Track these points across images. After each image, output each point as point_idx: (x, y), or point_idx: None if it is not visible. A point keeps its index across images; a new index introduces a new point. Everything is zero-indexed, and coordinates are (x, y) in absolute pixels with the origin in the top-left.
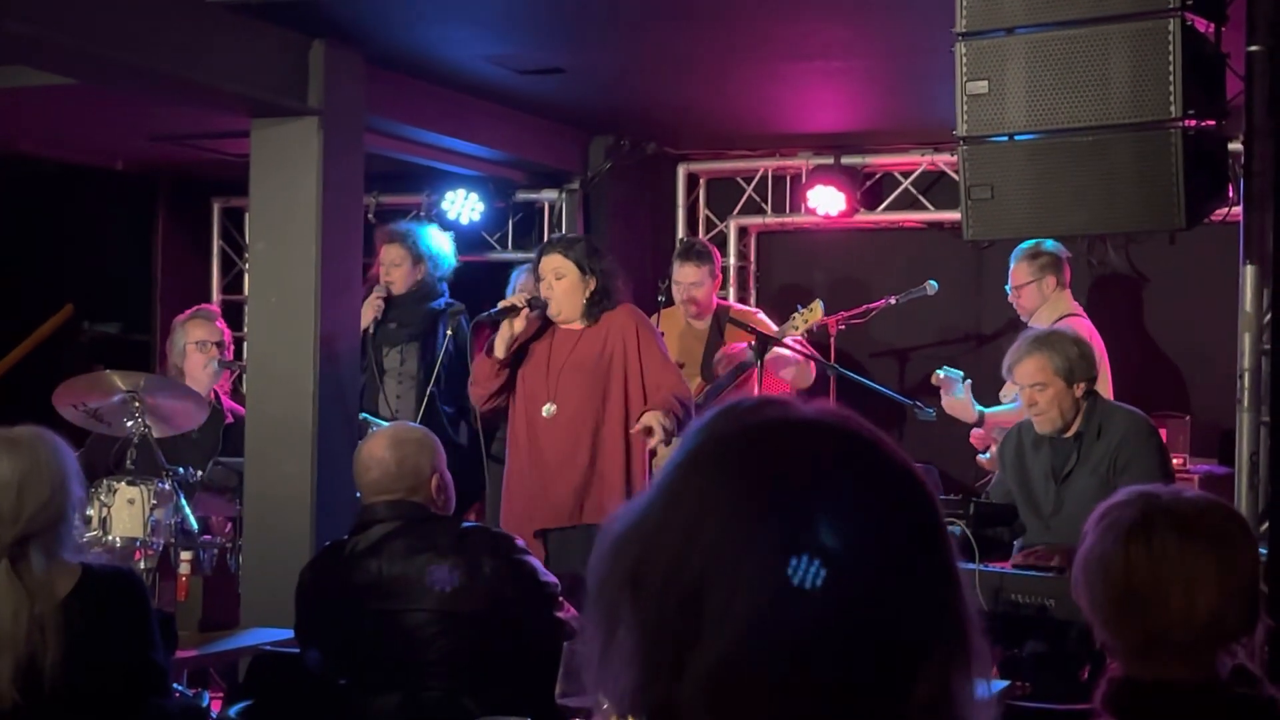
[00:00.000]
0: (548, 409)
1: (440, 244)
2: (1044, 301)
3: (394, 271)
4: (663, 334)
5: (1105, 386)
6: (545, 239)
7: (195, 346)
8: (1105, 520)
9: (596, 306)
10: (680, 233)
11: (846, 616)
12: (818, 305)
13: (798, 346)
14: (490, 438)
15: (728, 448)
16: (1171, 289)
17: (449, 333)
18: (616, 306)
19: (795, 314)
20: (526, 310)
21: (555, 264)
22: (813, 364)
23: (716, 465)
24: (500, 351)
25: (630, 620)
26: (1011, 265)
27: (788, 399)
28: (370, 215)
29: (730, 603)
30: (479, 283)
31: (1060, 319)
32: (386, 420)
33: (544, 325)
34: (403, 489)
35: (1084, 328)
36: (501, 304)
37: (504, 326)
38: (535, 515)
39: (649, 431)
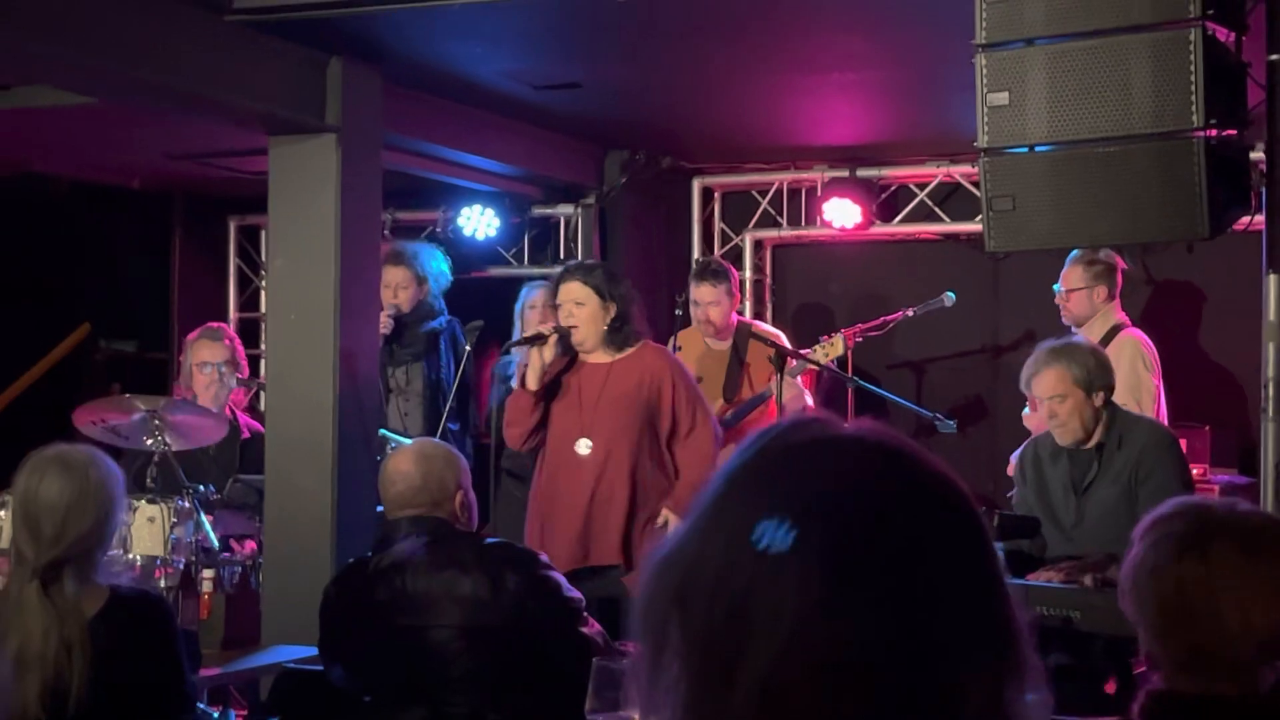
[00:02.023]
0: (583, 445)
1: (439, 263)
2: (1093, 313)
3: (402, 294)
4: (679, 349)
5: (1149, 402)
6: (562, 261)
7: (198, 368)
8: (1156, 531)
9: (617, 334)
10: (696, 247)
11: (894, 628)
12: (839, 339)
13: (825, 365)
14: (499, 455)
15: (770, 465)
16: (1189, 298)
17: (468, 348)
18: (636, 335)
19: (816, 346)
20: (555, 338)
21: (575, 291)
22: (809, 395)
23: (759, 482)
24: (533, 383)
25: (678, 639)
26: (1066, 267)
27: (827, 418)
28: (387, 231)
29: (777, 614)
30: (494, 298)
31: (1111, 332)
32: (404, 437)
33: (568, 359)
34: (427, 504)
35: (1141, 342)
36: (528, 331)
37: (532, 356)
38: (577, 553)
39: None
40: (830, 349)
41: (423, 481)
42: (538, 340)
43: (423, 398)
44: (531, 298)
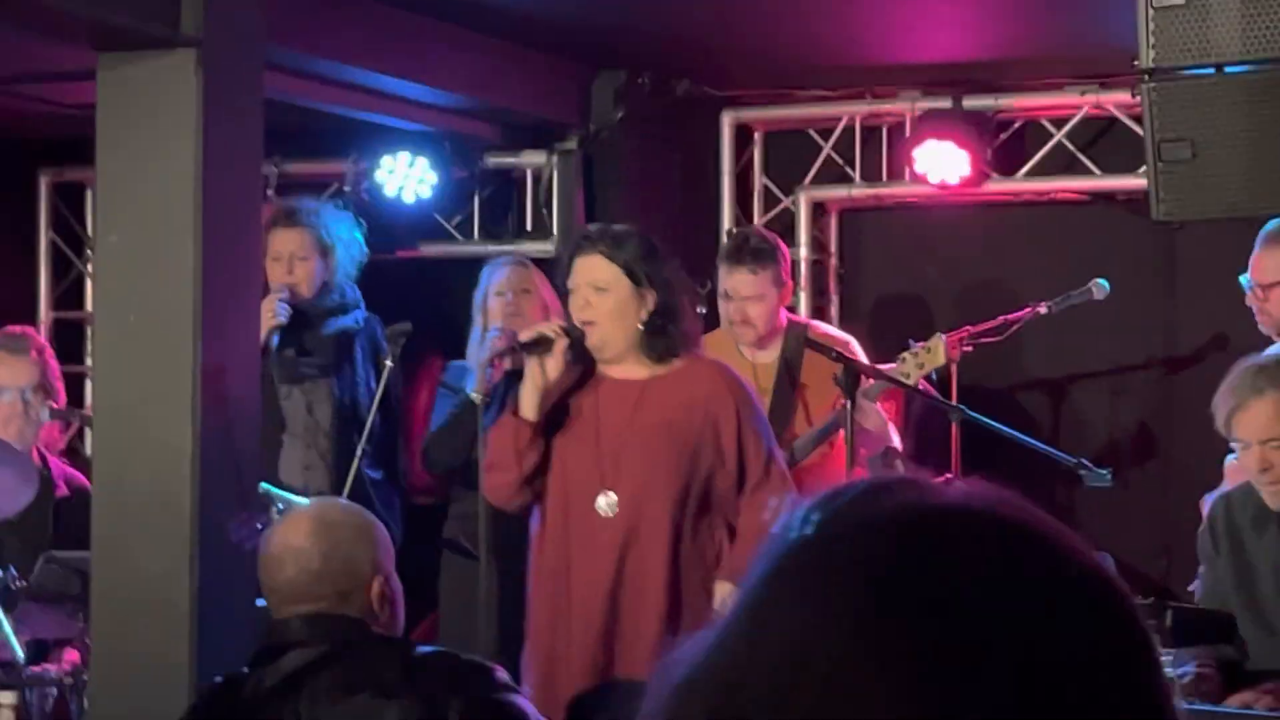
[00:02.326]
0: (604, 502)
1: (351, 230)
2: None
3: (299, 268)
4: None
5: None
6: (530, 234)
7: None
8: None
9: (659, 337)
10: (726, 213)
11: None
12: (939, 345)
13: (917, 387)
14: (442, 516)
15: (838, 552)
16: None
17: (388, 362)
18: (687, 341)
19: (905, 353)
20: (565, 343)
21: (596, 270)
22: (894, 428)
23: (824, 577)
24: (531, 410)
25: None
26: (1256, 251)
27: (918, 480)
28: (270, 190)
29: None
30: (430, 288)
31: None
32: (298, 495)
33: (580, 371)
34: (330, 596)
35: None
36: (527, 334)
37: (531, 370)
38: (597, 660)
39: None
40: (925, 359)
41: (324, 563)
42: (539, 347)
43: (333, 438)
44: (497, 280)
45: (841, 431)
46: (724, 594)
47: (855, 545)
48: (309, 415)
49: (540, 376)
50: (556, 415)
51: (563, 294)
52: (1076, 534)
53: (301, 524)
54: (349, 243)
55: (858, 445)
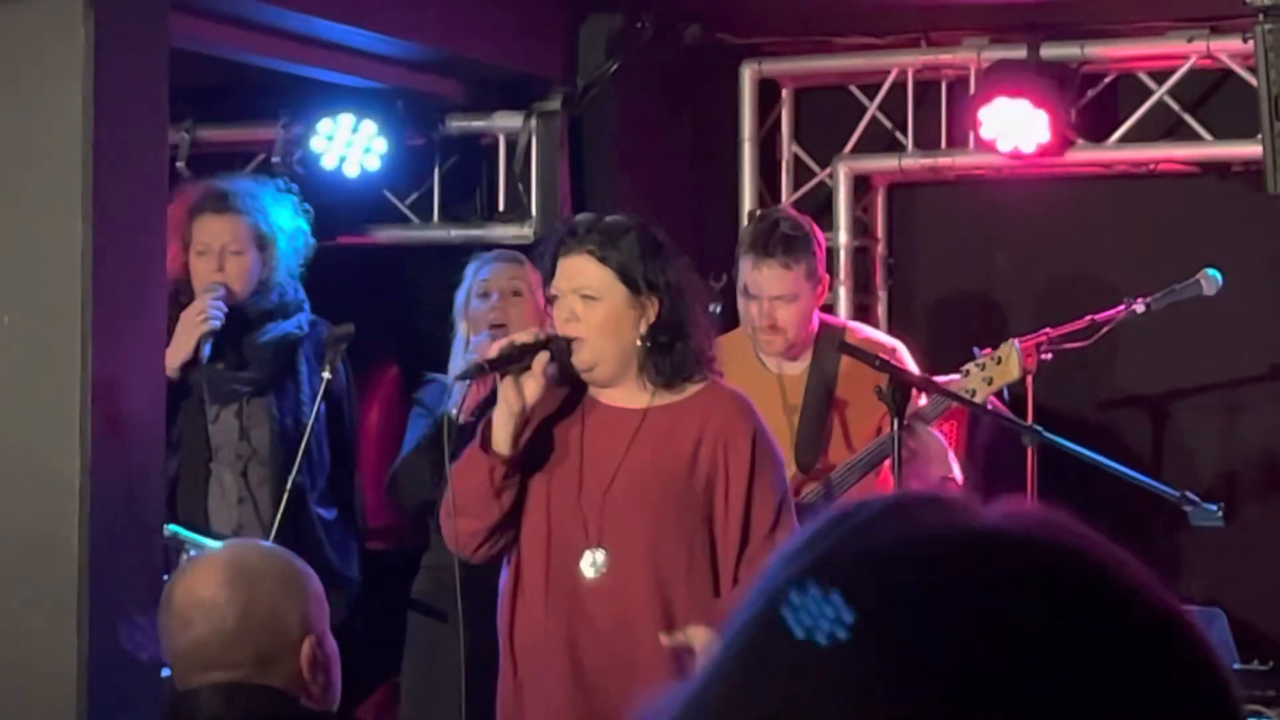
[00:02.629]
0: (592, 562)
1: (293, 215)
2: None
3: (231, 263)
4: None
5: None
6: (501, 215)
7: None
8: None
9: (664, 357)
10: (748, 190)
11: None
12: (1012, 354)
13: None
14: (405, 564)
15: (853, 584)
16: None
17: (325, 375)
18: (700, 362)
19: (970, 365)
20: (545, 357)
21: (582, 272)
22: (954, 455)
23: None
24: (506, 443)
25: None
26: None
27: (953, 496)
28: (180, 162)
29: None
30: (381, 282)
31: None
32: (220, 539)
33: (567, 395)
34: (249, 662)
35: None
36: (499, 345)
37: (505, 393)
38: None
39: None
40: (994, 373)
41: (241, 621)
42: (514, 362)
43: (271, 466)
44: (481, 278)
45: (887, 461)
46: (697, 639)
47: (856, 581)
48: (242, 440)
49: (516, 400)
50: (537, 448)
51: (550, 299)
52: (1149, 572)
53: (212, 572)
54: (293, 233)
55: (907, 475)
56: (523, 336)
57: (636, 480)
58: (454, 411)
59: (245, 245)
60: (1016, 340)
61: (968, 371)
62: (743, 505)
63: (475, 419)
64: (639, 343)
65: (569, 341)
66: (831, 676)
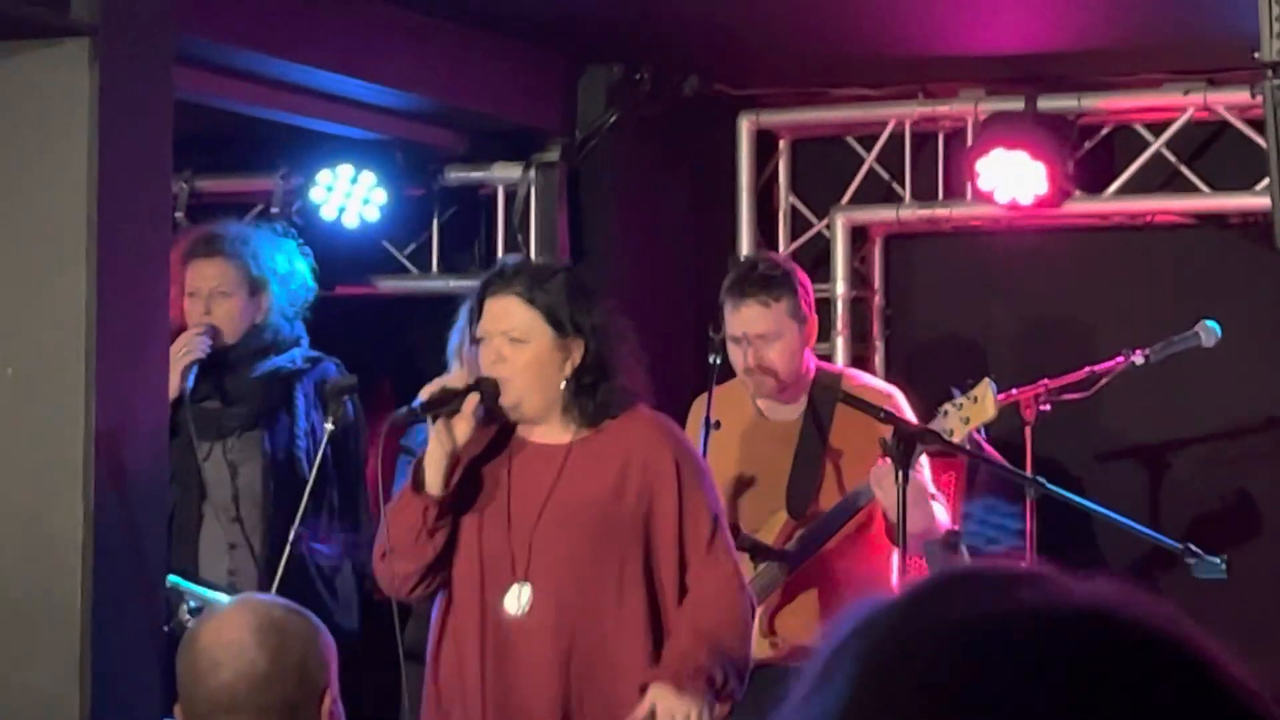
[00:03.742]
0: (516, 598)
1: (292, 259)
2: None
3: (219, 306)
4: (717, 425)
5: None
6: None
7: None
8: None
9: (589, 397)
10: (745, 240)
11: None
12: (987, 393)
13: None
14: (406, 614)
15: (932, 660)
16: None
17: (328, 425)
18: (624, 398)
19: (948, 405)
20: (475, 399)
21: (509, 314)
22: (948, 500)
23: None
24: (437, 484)
25: None
26: None
27: (1023, 569)
28: (179, 212)
29: None
30: (379, 333)
31: None
32: (213, 586)
33: (495, 433)
34: (276, 707)
35: None
36: (429, 390)
37: (436, 436)
38: None
39: None
40: (970, 412)
41: (273, 666)
42: (444, 405)
43: (264, 507)
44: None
45: (881, 509)
46: (661, 701)
47: (936, 658)
48: (234, 480)
49: (448, 441)
50: (466, 487)
51: (475, 341)
52: (1235, 657)
53: (241, 618)
54: (287, 276)
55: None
56: (453, 380)
57: (563, 514)
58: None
59: (234, 288)
60: (991, 380)
61: (945, 412)
62: (676, 525)
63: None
64: (564, 383)
65: (496, 383)
66: None
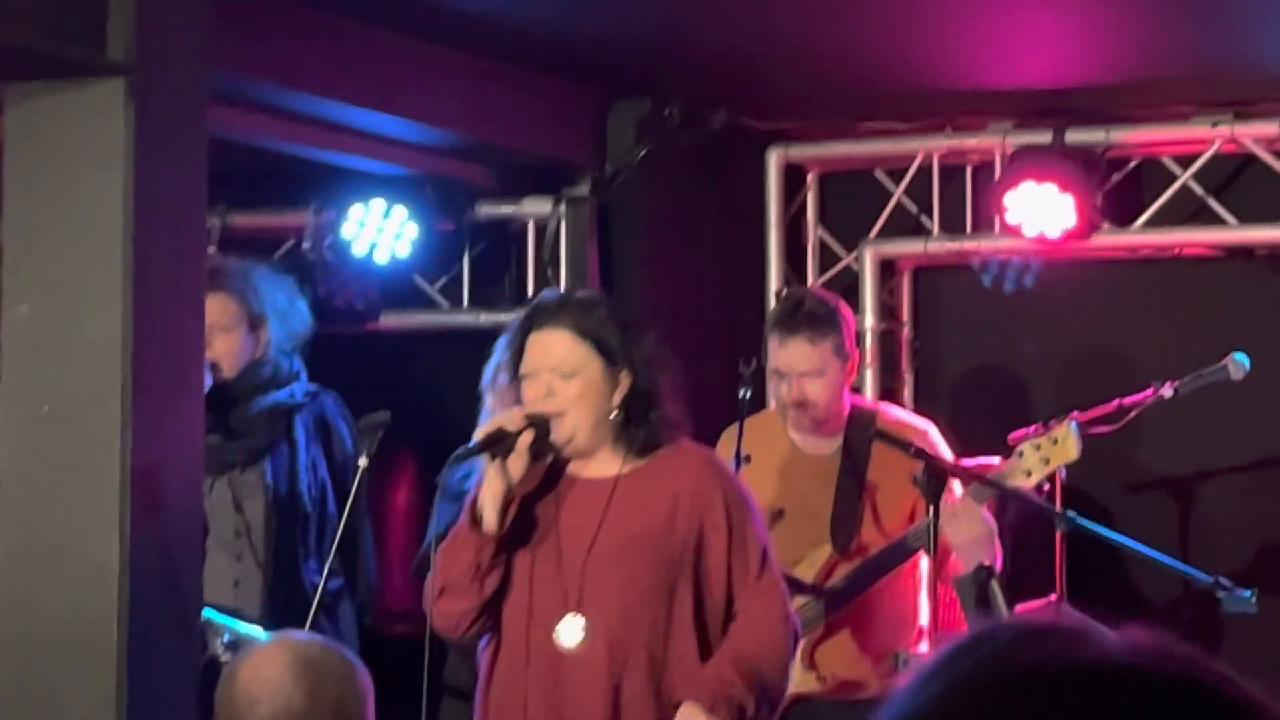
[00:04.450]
0: (569, 629)
1: (289, 295)
2: None
3: (219, 341)
4: (748, 459)
5: None
6: (533, 296)
7: None
8: None
9: (638, 426)
10: (774, 272)
11: None
12: (1069, 433)
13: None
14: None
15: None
16: None
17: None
18: (669, 428)
19: (1024, 444)
20: (529, 436)
21: (560, 350)
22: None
23: None
24: (494, 522)
25: None
26: None
27: (1076, 624)
28: (212, 247)
29: None
30: (409, 368)
31: None
32: (249, 625)
33: (543, 469)
34: None
35: None
36: (484, 429)
37: (491, 474)
38: None
39: None
40: (1051, 453)
41: (310, 703)
42: (497, 445)
43: (266, 535)
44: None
45: (919, 550)
46: (685, 716)
47: (987, 713)
48: (237, 513)
49: (503, 480)
50: (516, 524)
51: (517, 379)
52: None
53: (279, 655)
54: (286, 313)
55: (942, 562)
56: (507, 420)
57: (614, 547)
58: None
59: (234, 323)
60: (1075, 420)
61: (1022, 453)
62: (725, 558)
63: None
64: (614, 414)
65: (548, 420)
66: None
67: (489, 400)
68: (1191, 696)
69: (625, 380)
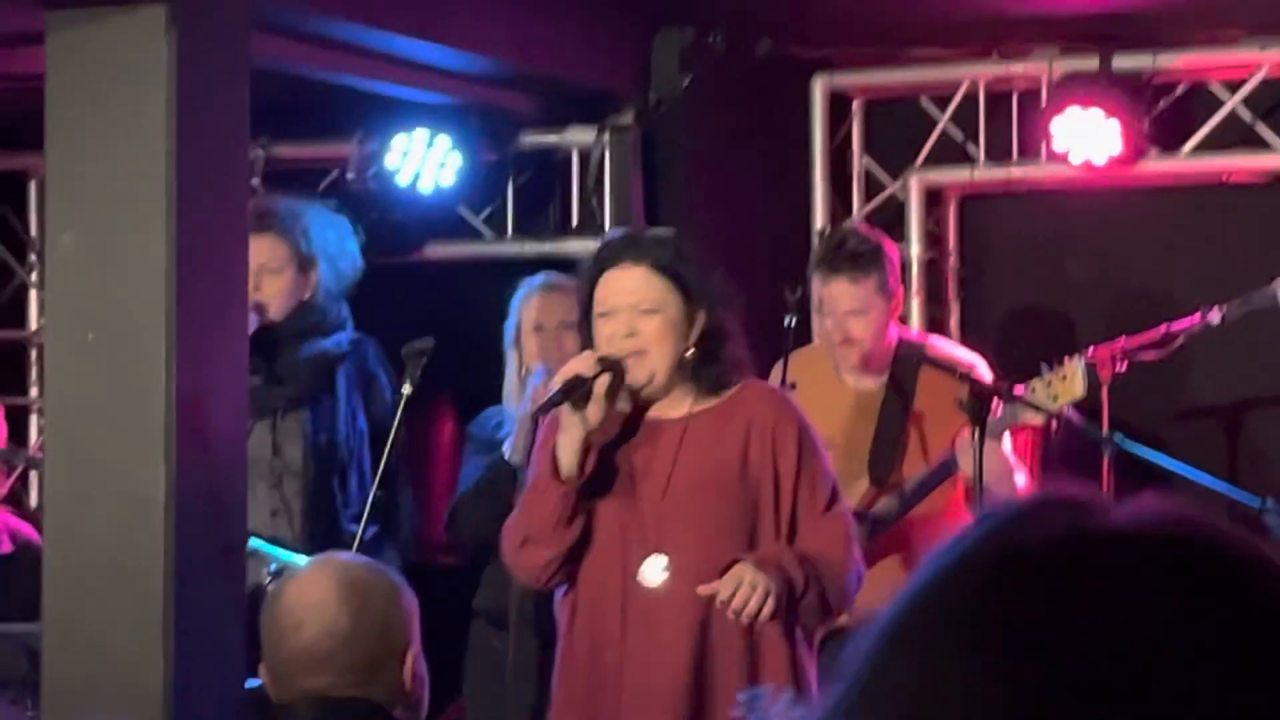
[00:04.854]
0: (652, 569)
1: (340, 236)
2: None
3: (268, 283)
4: (792, 386)
5: None
6: (575, 230)
7: None
8: None
9: (711, 365)
10: (819, 202)
11: None
12: (1078, 371)
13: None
14: (465, 582)
15: (994, 587)
16: None
17: (405, 390)
18: (737, 367)
19: (1034, 381)
20: (605, 380)
21: (641, 288)
22: (1022, 470)
23: (972, 623)
24: (571, 465)
25: None
26: None
27: (1087, 497)
28: (256, 178)
29: None
30: (454, 297)
31: None
32: (291, 552)
33: (615, 413)
34: (358, 667)
35: None
36: (561, 376)
37: (569, 423)
38: None
39: (729, 601)
40: (1060, 389)
41: (355, 622)
42: (575, 393)
43: (305, 483)
44: (530, 310)
45: (960, 473)
46: (737, 568)
47: (998, 584)
48: (275, 457)
49: (582, 426)
50: (594, 470)
51: (587, 320)
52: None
53: (323, 578)
54: (337, 255)
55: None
56: (581, 366)
57: (690, 486)
58: (513, 458)
59: (283, 264)
60: (1083, 356)
61: (1034, 389)
62: (792, 496)
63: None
64: (690, 352)
65: (621, 362)
66: (970, 677)
67: (511, 356)
68: (1205, 556)
69: (701, 318)
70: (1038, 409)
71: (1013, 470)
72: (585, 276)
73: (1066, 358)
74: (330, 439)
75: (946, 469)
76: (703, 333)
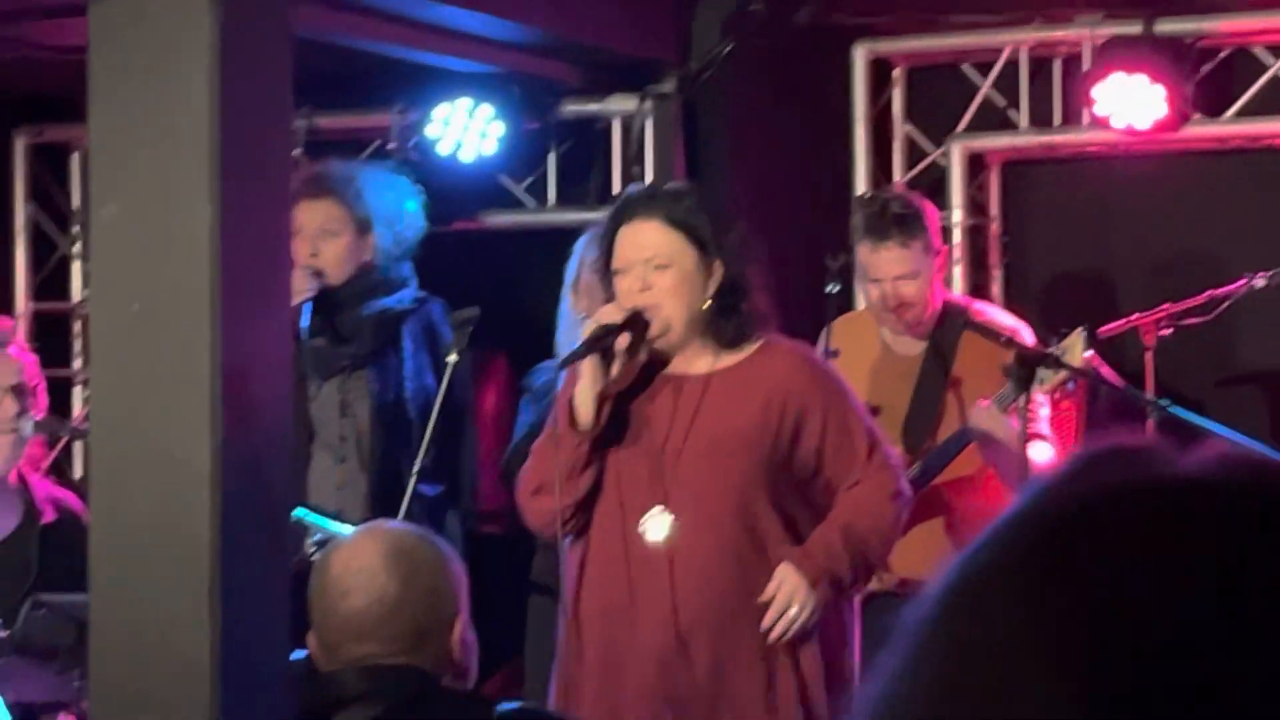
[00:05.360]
0: (655, 523)
1: (401, 198)
2: None
3: (326, 247)
4: (834, 354)
5: None
6: (622, 190)
7: None
8: None
9: (729, 318)
10: (861, 169)
11: None
12: (1076, 343)
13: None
14: (518, 550)
15: (1059, 538)
16: None
17: (451, 358)
18: (758, 322)
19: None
20: (627, 336)
21: (654, 242)
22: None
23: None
24: (587, 415)
25: None
26: None
27: (1153, 447)
28: (299, 149)
29: None
30: (496, 266)
31: None
32: (336, 522)
33: (638, 367)
34: (407, 635)
35: None
36: (589, 328)
37: (590, 370)
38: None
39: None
40: (1065, 351)
41: (404, 590)
42: (602, 342)
43: (372, 439)
44: (594, 255)
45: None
46: (782, 578)
47: (1062, 536)
48: (343, 417)
49: (602, 377)
50: (611, 421)
51: (608, 273)
52: None
53: (372, 545)
54: (395, 217)
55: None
56: (607, 315)
57: (708, 443)
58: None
59: (340, 228)
60: (1083, 329)
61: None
62: (824, 456)
63: None
64: (707, 305)
65: (643, 315)
66: (1039, 629)
67: (568, 298)
68: (1277, 500)
69: (718, 270)
70: (1076, 369)
71: (1022, 444)
72: (603, 232)
73: (1070, 333)
74: (397, 398)
75: (964, 437)
76: (720, 286)
